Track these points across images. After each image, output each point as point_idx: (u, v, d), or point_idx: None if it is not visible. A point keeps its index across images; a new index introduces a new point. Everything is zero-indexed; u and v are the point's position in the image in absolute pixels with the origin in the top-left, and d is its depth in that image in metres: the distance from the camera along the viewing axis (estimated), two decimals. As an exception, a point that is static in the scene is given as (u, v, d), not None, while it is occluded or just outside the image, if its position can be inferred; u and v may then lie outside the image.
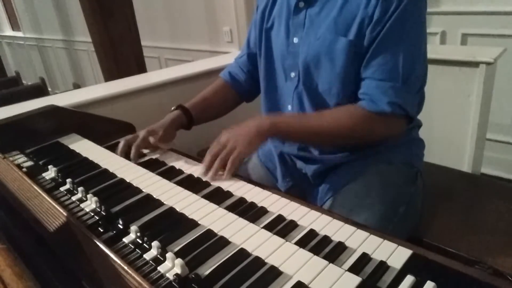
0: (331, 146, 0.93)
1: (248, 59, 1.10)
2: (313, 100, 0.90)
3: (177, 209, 0.67)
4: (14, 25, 5.87)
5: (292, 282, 0.48)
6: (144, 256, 0.55)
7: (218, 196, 0.71)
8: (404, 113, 0.82)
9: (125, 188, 0.76)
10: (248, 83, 1.10)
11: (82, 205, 0.69)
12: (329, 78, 0.86)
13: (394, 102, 0.79)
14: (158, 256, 0.55)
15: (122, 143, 0.93)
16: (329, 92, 0.87)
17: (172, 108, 1.03)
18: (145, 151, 0.95)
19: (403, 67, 0.79)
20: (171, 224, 0.63)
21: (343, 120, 0.84)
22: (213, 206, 0.67)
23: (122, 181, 0.79)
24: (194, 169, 0.82)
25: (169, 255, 0.52)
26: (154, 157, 0.91)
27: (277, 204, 0.67)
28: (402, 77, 0.79)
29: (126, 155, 0.91)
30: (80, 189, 0.72)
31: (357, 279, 0.48)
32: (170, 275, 0.51)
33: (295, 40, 0.89)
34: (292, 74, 0.92)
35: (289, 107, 0.95)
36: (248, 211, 0.65)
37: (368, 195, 0.84)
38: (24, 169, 0.85)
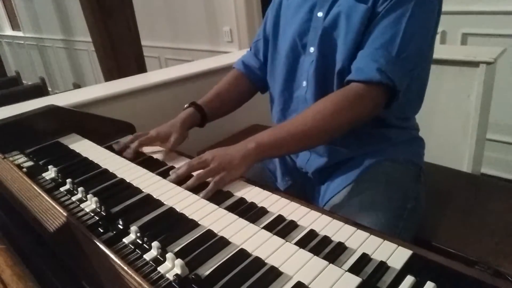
0: (328, 140, 0.88)
1: (264, 43, 1.08)
2: (328, 71, 0.88)
3: (177, 210, 0.67)
4: (14, 25, 5.88)
5: (292, 282, 0.48)
6: (144, 256, 0.55)
7: (218, 196, 0.71)
8: (392, 85, 0.78)
9: (125, 188, 0.76)
10: (263, 70, 1.08)
11: (82, 205, 0.69)
12: (342, 43, 0.84)
13: (383, 70, 0.77)
14: (158, 256, 0.55)
15: (130, 138, 0.92)
16: (338, 59, 0.85)
17: (185, 106, 1.01)
18: (146, 150, 0.94)
19: (401, 41, 0.78)
20: (171, 225, 0.63)
21: (328, 107, 0.79)
22: (213, 206, 0.67)
23: (122, 181, 0.79)
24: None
25: (169, 255, 0.52)
26: (154, 157, 0.91)
27: (277, 204, 0.67)
28: (398, 50, 0.78)
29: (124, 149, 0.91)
30: (80, 189, 0.72)
31: (357, 280, 0.48)
32: (170, 276, 0.51)
33: (320, 14, 0.88)
34: (311, 49, 0.90)
35: (304, 83, 0.93)
36: (248, 212, 0.65)
37: (376, 193, 0.83)
38: (24, 169, 0.85)
